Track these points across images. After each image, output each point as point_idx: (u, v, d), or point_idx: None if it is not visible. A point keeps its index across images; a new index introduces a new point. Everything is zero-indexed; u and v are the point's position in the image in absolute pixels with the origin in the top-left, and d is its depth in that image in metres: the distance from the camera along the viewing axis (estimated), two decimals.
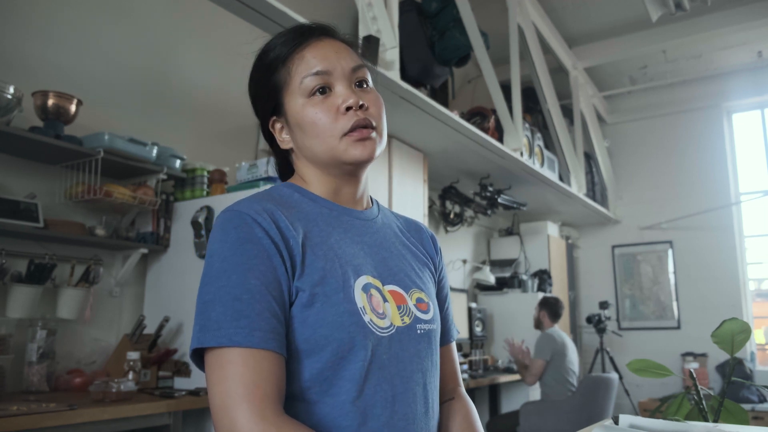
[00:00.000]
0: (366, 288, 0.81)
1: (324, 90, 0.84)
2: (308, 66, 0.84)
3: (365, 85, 0.88)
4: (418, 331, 0.85)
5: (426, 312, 0.88)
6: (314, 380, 0.76)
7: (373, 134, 0.85)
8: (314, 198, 0.88)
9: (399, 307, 0.84)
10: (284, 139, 0.90)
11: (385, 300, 0.83)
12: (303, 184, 0.90)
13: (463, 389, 1.00)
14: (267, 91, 0.88)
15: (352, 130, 0.83)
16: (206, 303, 0.74)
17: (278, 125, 0.90)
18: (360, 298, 0.79)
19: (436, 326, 0.89)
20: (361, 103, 0.84)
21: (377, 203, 0.98)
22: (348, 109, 0.83)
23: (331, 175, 0.88)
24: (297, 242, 0.79)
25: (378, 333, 0.79)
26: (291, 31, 0.89)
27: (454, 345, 1.02)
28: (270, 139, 0.93)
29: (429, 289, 0.93)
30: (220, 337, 0.71)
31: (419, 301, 0.88)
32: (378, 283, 0.84)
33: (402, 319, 0.83)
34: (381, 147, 0.87)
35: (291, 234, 0.79)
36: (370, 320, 0.79)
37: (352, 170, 0.87)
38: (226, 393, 0.70)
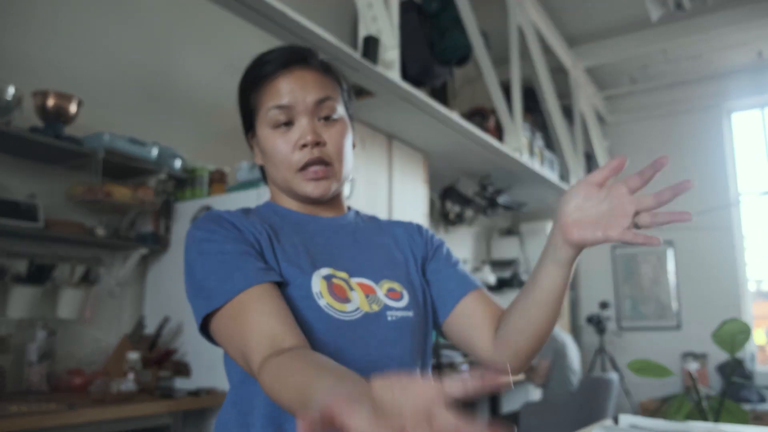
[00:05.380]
0: (328, 278, 0.84)
1: (289, 122, 0.87)
2: (274, 98, 0.87)
3: (332, 117, 0.89)
4: (389, 318, 0.85)
5: (398, 300, 0.88)
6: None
7: (328, 172, 0.88)
8: (284, 213, 0.92)
9: (367, 296, 0.85)
10: (258, 156, 0.95)
11: (351, 289, 0.85)
12: (277, 200, 0.96)
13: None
14: (244, 111, 0.94)
15: (306, 167, 0.87)
16: (198, 280, 0.79)
17: (254, 141, 0.95)
18: (317, 285, 0.82)
19: (414, 315, 0.89)
20: (317, 140, 0.86)
21: (354, 211, 1.00)
22: (304, 146, 0.86)
23: (295, 198, 0.93)
24: (265, 240, 0.84)
25: (336, 317, 0.80)
26: (270, 54, 0.91)
27: (484, 291, 0.96)
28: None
29: (403, 280, 0.92)
30: (226, 293, 0.75)
31: (391, 290, 0.89)
32: (343, 275, 0.86)
33: (371, 306, 0.84)
34: (339, 183, 0.90)
35: (259, 232, 0.85)
36: (327, 304, 0.81)
37: (310, 201, 0.91)
38: (240, 343, 0.73)
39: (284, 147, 0.87)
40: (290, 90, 0.87)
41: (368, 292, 0.86)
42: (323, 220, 0.93)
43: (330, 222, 0.93)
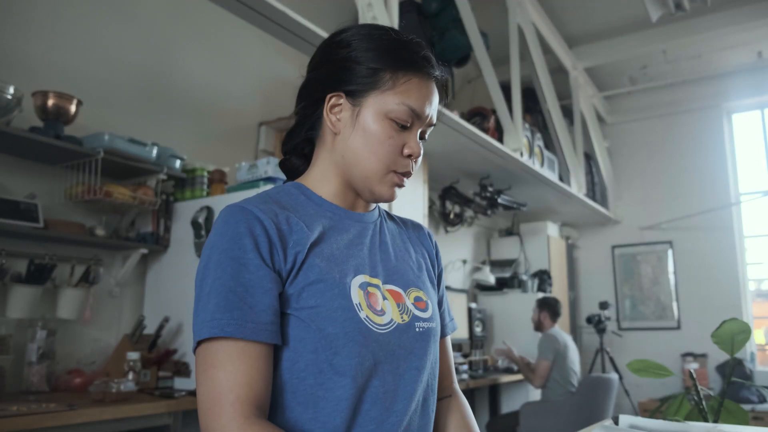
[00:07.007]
0: (363, 286, 0.83)
1: (406, 126, 0.86)
2: (415, 99, 0.85)
3: (425, 139, 0.92)
4: (417, 329, 0.86)
5: (424, 310, 0.89)
6: (308, 372, 0.78)
7: (405, 182, 0.90)
8: (319, 202, 0.89)
9: (398, 305, 0.86)
10: (334, 118, 0.87)
11: (384, 298, 0.85)
12: (310, 180, 0.91)
13: (458, 386, 1.02)
14: (354, 72, 0.86)
15: (399, 173, 0.87)
16: (204, 295, 0.76)
17: (337, 101, 0.87)
18: (356, 295, 0.81)
19: (435, 325, 0.91)
20: (419, 157, 0.89)
21: (378, 207, 0.99)
22: (409, 155, 0.87)
23: (344, 182, 0.89)
24: (302, 244, 0.81)
25: (374, 329, 0.80)
26: (413, 44, 0.89)
27: (449, 339, 1.02)
28: (309, 107, 0.90)
29: (427, 288, 0.94)
30: (213, 328, 0.73)
31: (417, 300, 0.89)
32: (377, 282, 0.86)
33: (402, 317, 0.85)
34: None
35: (292, 236, 0.81)
36: (367, 317, 0.80)
37: (367, 198, 0.91)
38: (213, 394, 0.72)
39: (393, 145, 0.85)
40: (428, 102, 0.87)
41: (398, 301, 0.86)
42: (355, 215, 0.91)
43: (361, 218, 0.92)
